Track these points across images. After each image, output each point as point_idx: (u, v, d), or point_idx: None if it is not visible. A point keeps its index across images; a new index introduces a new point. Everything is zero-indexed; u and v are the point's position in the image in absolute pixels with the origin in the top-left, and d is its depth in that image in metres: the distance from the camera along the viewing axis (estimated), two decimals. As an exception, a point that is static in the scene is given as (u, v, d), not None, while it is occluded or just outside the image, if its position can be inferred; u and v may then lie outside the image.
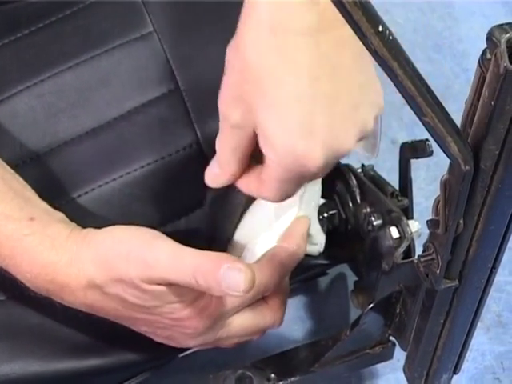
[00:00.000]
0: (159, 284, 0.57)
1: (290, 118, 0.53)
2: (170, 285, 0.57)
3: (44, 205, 0.61)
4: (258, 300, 0.64)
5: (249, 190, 0.60)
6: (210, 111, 0.66)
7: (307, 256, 0.68)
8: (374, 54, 0.39)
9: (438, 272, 0.53)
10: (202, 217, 0.67)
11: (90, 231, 0.60)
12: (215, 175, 0.61)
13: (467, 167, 0.45)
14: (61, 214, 0.61)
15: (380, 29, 0.38)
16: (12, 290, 0.62)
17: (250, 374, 0.68)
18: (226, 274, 0.55)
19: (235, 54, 0.55)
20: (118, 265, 0.57)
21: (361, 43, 0.57)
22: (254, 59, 0.54)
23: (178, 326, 0.61)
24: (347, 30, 0.55)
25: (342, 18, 0.55)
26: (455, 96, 0.90)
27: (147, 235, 0.59)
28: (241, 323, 0.64)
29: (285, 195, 0.58)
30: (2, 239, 0.58)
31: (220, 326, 0.63)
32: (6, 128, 0.66)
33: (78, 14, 0.69)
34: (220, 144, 0.59)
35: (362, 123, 0.56)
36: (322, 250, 0.69)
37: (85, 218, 0.61)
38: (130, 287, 0.57)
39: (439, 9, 0.96)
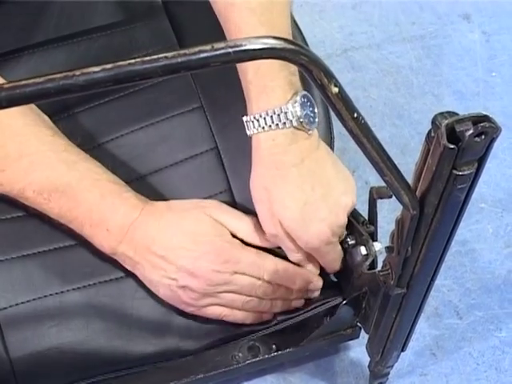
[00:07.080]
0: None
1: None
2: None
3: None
4: None
5: None
6: (240, 166, 0.65)
7: None
8: (351, 132, 0.38)
9: (391, 282, 0.53)
10: None
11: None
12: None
13: (414, 212, 0.45)
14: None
15: (355, 115, 0.37)
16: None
17: (257, 344, 0.67)
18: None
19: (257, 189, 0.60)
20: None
21: (333, 156, 0.61)
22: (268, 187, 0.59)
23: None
24: (320, 150, 0.59)
25: (314, 145, 0.59)
26: (411, 152, 0.89)
27: None
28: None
29: None
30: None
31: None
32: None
33: (149, 89, 0.68)
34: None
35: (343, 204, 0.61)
36: None
37: None
38: None
39: (402, 89, 0.96)
